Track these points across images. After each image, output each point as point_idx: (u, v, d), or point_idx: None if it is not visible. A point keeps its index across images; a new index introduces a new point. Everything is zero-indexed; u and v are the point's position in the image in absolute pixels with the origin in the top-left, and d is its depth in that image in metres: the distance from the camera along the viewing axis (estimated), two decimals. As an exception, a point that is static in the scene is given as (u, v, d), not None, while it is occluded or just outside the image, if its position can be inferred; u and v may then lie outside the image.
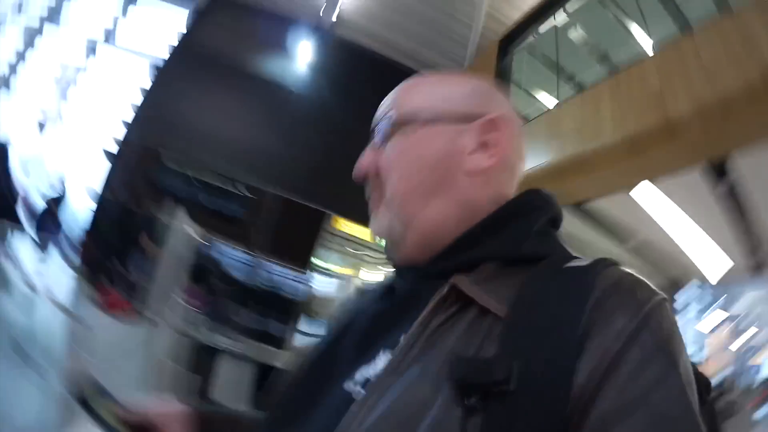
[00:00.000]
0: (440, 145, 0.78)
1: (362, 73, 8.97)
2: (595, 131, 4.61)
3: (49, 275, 6.85)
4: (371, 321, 0.76)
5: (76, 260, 8.22)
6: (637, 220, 5.47)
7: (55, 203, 8.05)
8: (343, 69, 9.54)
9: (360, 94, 8.70)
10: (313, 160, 8.79)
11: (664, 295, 0.61)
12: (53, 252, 7.95)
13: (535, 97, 7.20)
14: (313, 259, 9.02)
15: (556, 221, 0.80)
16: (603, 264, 0.64)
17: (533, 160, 5.35)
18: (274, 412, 0.80)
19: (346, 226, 9.14)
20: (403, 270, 0.82)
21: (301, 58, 9.83)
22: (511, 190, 0.81)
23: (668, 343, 0.57)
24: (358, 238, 9.29)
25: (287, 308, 7.68)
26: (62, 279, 7.04)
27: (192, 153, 9.01)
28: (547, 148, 5.22)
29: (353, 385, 0.66)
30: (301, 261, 8.42)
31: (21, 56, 11.70)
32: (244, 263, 8.72)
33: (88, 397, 0.93)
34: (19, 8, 12.61)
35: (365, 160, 0.84)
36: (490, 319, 0.62)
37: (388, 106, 0.84)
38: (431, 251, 0.76)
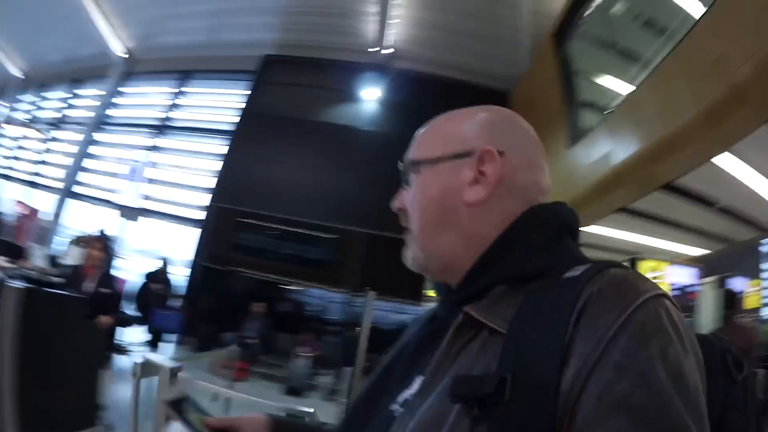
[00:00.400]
0: (441, 183, 0.85)
1: (425, 97, 9.01)
2: (673, 112, 4.51)
3: (167, 355, 7.08)
4: (413, 348, 0.85)
5: (189, 335, 8.57)
6: (715, 185, 5.31)
7: (160, 283, 8.39)
8: (406, 98, 9.62)
9: (427, 118, 8.74)
10: (390, 192, 8.84)
11: (657, 292, 0.63)
12: (166, 332, 8.30)
13: (603, 86, 7.00)
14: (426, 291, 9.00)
15: (568, 229, 0.84)
16: (594, 270, 0.66)
17: (622, 150, 5.30)
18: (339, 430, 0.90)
19: None
20: (441, 299, 0.91)
21: (363, 96, 10.05)
22: (521, 211, 0.83)
23: (650, 343, 0.58)
24: None
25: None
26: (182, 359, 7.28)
27: (280, 209, 9.34)
28: (632, 137, 5.15)
29: (396, 406, 0.75)
30: (411, 293, 8.57)
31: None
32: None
33: (182, 406, 1.05)
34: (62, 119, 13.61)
35: (396, 200, 0.94)
36: (498, 338, 0.67)
37: (406, 153, 0.93)
38: (456, 277, 0.83)
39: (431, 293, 8.79)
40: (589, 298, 0.62)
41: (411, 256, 0.89)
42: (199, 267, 9.64)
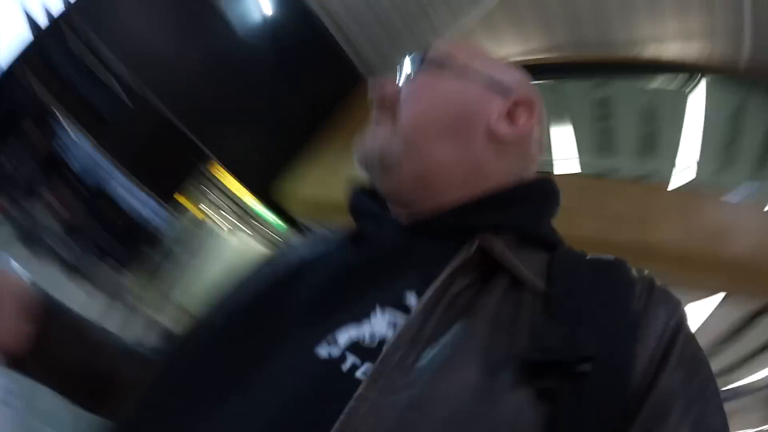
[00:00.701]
0: (469, 98, 0.78)
1: (304, 44, 8.82)
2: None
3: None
4: (345, 272, 0.66)
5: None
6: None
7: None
8: (289, 32, 9.10)
9: (292, 61, 8.56)
10: (215, 98, 8.45)
11: None
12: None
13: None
14: (179, 197, 8.64)
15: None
16: (625, 262, 0.65)
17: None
18: (186, 363, 0.63)
19: (221, 173, 8.69)
20: (385, 220, 0.77)
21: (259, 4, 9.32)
22: (520, 177, 0.79)
23: (695, 340, 0.60)
24: (231, 191, 8.98)
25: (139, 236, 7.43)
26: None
27: (114, 51, 8.22)
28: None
29: (337, 351, 0.54)
30: (165, 193, 8.17)
31: None
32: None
33: None
34: None
35: (388, 83, 0.83)
36: (527, 293, 0.58)
37: (432, 47, 0.84)
38: (423, 198, 0.73)
39: (185, 202, 8.58)
40: (644, 283, 0.61)
41: (384, 142, 0.76)
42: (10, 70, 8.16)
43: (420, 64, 0.82)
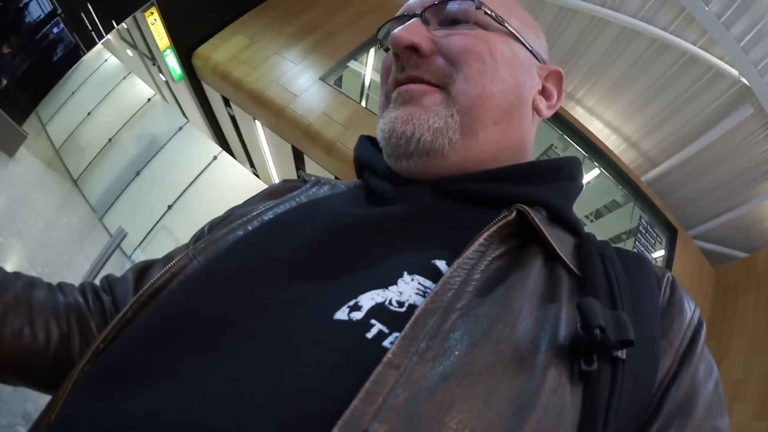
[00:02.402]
0: (521, 70, 0.68)
1: None
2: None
3: None
4: (363, 230, 0.57)
5: None
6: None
7: None
8: None
9: None
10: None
11: None
12: None
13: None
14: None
15: None
16: (648, 258, 0.61)
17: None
18: (167, 314, 0.51)
19: (153, 16, 7.63)
20: (401, 177, 0.67)
21: None
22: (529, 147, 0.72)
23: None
24: (153, 36, 8.34)
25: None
26: None
27: None
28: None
29: (359, 315, 0.45)
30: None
31: None
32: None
33: None
34: None
35: (419, 32, 0.65)
36: (562, 271, 0.54)
37: None
38: (458, 174, 0.64)
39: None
40: (668, 279, 0.59)
41: (437, 124, 0.62)
42: None
43: (461, 10, 0.66)
